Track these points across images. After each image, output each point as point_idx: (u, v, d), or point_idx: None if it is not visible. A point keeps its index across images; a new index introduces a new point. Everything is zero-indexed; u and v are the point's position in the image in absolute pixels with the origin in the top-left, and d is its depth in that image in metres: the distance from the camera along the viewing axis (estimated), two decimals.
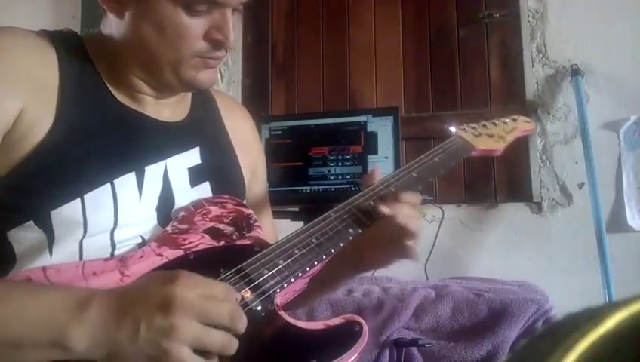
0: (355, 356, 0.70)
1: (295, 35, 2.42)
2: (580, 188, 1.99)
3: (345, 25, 2.37)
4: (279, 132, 1.85)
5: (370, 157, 1.82)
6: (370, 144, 1.82)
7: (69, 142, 0.74)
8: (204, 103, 0.96)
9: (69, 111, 0.76)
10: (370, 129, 1.84)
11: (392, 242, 0.80)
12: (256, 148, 1.05)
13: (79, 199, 0.73)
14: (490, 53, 2.19)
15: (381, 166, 1.82)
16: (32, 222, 0.72)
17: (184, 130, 0.89)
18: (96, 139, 0.77)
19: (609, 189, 1.94)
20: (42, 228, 0.72)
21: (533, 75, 2.10)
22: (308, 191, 1.81)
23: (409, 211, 0.79)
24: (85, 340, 0.60)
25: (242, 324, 0.63)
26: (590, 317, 0.25)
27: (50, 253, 0.72)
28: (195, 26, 0.76)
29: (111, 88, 0.82)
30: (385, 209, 0.78)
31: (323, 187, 1.82)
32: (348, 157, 1.83)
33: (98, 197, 0.74)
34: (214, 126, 0.97)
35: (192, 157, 0.88)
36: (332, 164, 1.83)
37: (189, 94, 0.94)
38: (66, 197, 0.72)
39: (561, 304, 1.42)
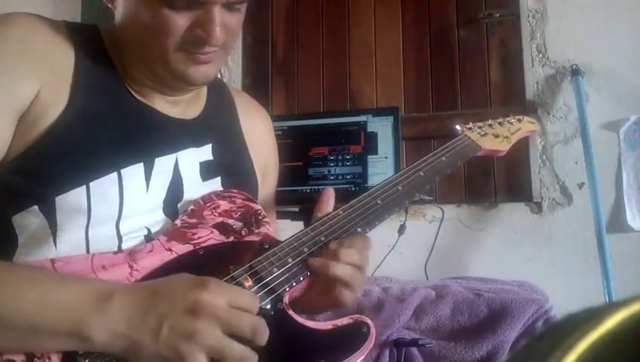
0: (363, 357, 0.70)
1: (295, 35, 2.42)
2: (580, 188, 1.99)
3: (345, 25, 2.36)
4: (279, 132, 1.85)
5: (370, 157, 1.82)
6: (370, 144, 1.82)
7: (79, 127, 0.75)
8: (220, 102, 0.97)
9: (81, 97, 0.76)
10: (370, 129, 1.84)
11: (325, 290, 0.78)
12: (270, 149, 1.06)
13: (85, 186, 0.73)
14: (490, 53, 2.19)
15: (381, 166, 1.82)
16: (36, 207, 0.72)
17: (197, 127, 0.89)
18: (106, 128, 0.78)
19: (609, 189, 1.94)
20: (45, 214, 0.72)
21: (533, 75, 2.10)
22: (308, 191, 1.81)
23: (342, 259, 0.76)
24: (105, 333, 0.61)
25: (264, 338, 0.63)
26: (590, 317, 0.25)
27: (55, 242, 0.72)
28: (177, 20, 0.75)
29: (125, 81, 0.82)
30: (315, 263, 0.75)
31: (323, 187, 1.81)
32: (348, 157, 1.83)
33: (104, 186, 0.74)
34: (229, 124, 0.97)
35: (204, 152, 0.88)
36: (332, 164, 1.83)
37: (204, 93, 0.94)
38: (71, 184, 0.72)
39: (561, 304, 1.42)
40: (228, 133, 0.95)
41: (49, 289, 0.63)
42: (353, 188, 1.80)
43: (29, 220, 0.72)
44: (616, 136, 1.97)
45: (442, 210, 2.03)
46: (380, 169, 1.81)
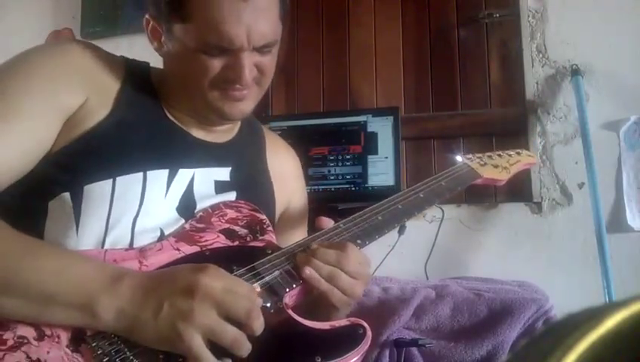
0: (357, 357, 0.73)
1: (295, 35, 2.42)
2: (580, 188, 1.99)
3: (345, 25, 2.36)
4: (279, 132, 1.85)
5: (370, 157, 1.82)
6: (370, 144, 1.82)
7: (115, 131, 0.84)
8: (250, 136, 1.06)
9: (121, 111, 0.87)
10: (370, 129, 1.84)
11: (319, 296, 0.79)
12: (296, 185, 1.14)
13: (112, 180, 0.80)
14: (490, 53, 2.19)
15: (381, 166, 1.82)
16: (67, 194, 0.78)
17: (221, 150, 0.97)
18: (139, 135, 0.87)
19: (609, 189, 1.94)
20: (74, 201, 0.78)
21: (533, 75, 2.10)
22: (308, 191, 1.81)
23: (318, 257, 0.78)
24: (112, 310, 0.66)
25: (257, 323, 0.67)
26: (590, 317, 0.25)
27: (77, 228, 0.77)
28: (212, 63, 0.85)
29: (164, 107, 0.93)
30: (305, 272, 0.77)
31: (323, 187, 1.82)
32: (348, 157, 1.83)
33: (128, 183, 0.81)
34: (254, 156, 1.05)
35: (222, 173, 0.95)
36: (332, 164, 1.83)
37: (237, 125, 1.02)
38: (100, 175, 0.80)
39: (561, 304, 1.42)
40: (250, 163, 1.03)
41: (69, 263, 0.69)
42: (353, 188, 1.80)
43: (58, 206, 0.78)
44: (616, 136, 1.97)
45: (442, 210, 2.03)
46: (380, 169, 1.81)
